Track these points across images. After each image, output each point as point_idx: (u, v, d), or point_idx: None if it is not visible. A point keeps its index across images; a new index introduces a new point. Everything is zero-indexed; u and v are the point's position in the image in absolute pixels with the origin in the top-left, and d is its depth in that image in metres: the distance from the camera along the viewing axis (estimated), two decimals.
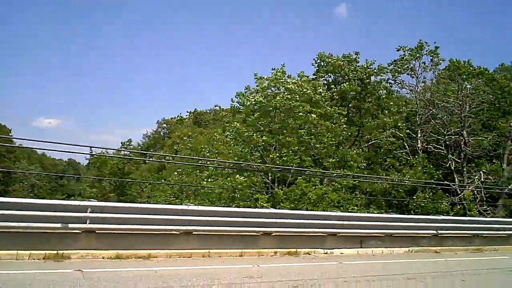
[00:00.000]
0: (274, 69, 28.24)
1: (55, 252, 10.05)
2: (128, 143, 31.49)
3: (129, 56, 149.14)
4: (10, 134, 70.62)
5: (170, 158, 34.16)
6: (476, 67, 35.44)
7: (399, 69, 33.91)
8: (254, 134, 25.52)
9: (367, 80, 30.45)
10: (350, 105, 31.24)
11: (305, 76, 30.56)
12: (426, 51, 33.77)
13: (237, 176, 24.43)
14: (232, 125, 27.35)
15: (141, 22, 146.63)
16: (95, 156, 28.53)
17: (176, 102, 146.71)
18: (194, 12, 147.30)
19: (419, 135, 33.52)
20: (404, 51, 33.78)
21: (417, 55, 33.79)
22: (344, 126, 28.05)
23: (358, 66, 30.66)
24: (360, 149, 29.56)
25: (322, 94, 28.36)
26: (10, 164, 73.26)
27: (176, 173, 29.73)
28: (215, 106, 63.49)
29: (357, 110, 31.49)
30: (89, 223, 10.88)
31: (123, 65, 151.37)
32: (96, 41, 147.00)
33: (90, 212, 10.95)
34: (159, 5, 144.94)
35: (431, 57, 34.02)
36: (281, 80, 27.34)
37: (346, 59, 31.00)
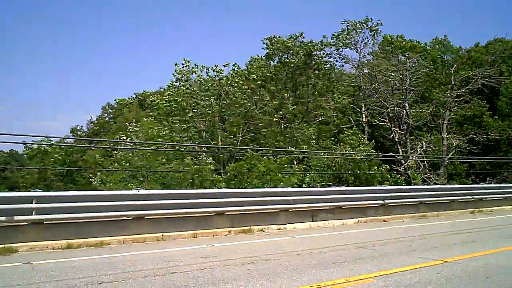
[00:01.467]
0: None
1: (2, 246, 9.69)
2: (79, 129, 30.64)
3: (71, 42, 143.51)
4: None
5: (120, 144, 33.52)
6: (408, 41, 36.73)
7: (341, 43, 34.56)
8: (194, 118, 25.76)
9: (311, 54, 31.07)
10: (297, 81, 31.76)
11: (259, 59, 31.24)
12: (370, 26, 34.55)
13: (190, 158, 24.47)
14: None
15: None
16: (32, 146, 27.56)
17: (123, 86, 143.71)
18: None
19: (363, 109, 34.40)
20: (348, 25, 34.42)
21: (361, 30, 34.52)
22: (292, 104, 28.73)
23: (301, 41, 31.21)
24: (310, 126, 30.19)
25: (262, 74, 28.85)
26: None
27: (131, 154, 29.33)
28: (160, 88, 62.69)
29: (304, 85, 32.08)
30: (35, 214, 10.54)
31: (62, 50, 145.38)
32: (33, 24, 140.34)
33: (35, 203, 10.59)
34: None
35: (373, 33, 34.85)
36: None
37: (292, 38, 31.46)
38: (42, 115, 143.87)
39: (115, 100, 63.82)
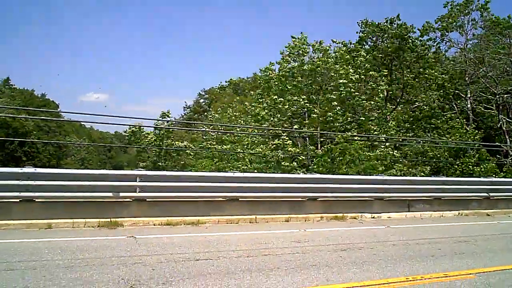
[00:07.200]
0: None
1: (109, 220, 10.44)
2: (167, 113, 32.10)
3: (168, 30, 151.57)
4: (58, 109, 73.08)
5: (213, 127, 34.61)
6: None
7: (447, 26, 32.40)
8: (293, 97, 25.18)
9: (406, 36, 29.55)
10: (391, 64, 30.46)
11: (350, 43, 30.38)
12: (476, 6, 32.01)
13: (281, 139, 24.29)
14: (268, 95, 26.82)
15: None
16: (132, 130, 29.46)
17: (215, 72, 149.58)
18: None
19: (469, 95, 32.26)
20: (451, 7, 32.20)
21: (466, 10, 32.09)
22: (386, 87, 27.71)
23: (397, 24, 29.85)
24: (402, 111, 29.02)
25: (361, 57, 27.76)
26: (60, 138, 75.91)
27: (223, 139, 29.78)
28: (253, 74, 63.87)
29: (398, 68, 30.67)
30: (139, 192, 11.21)
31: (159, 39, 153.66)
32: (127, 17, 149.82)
33: (139, 181, 11.25)
34: None
35: (481, 13, 32.22)
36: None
37: (387, 21, 30.20)
38: (137, 101, 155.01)
39: (211, 88, 66.17)
